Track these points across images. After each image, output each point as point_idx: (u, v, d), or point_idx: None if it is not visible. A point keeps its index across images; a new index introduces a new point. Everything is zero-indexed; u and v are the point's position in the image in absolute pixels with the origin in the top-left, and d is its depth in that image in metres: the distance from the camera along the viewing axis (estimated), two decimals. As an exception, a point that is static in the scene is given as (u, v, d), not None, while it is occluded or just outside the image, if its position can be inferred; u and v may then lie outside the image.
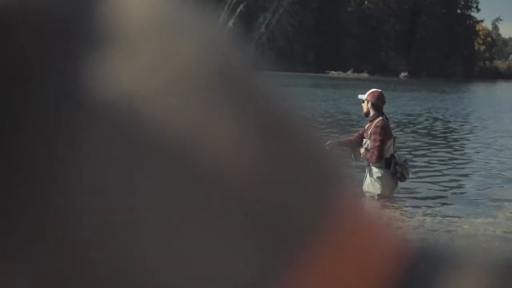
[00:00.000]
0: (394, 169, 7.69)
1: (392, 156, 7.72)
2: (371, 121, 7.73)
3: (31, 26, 0.22)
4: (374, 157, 7.61)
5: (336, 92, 35.09)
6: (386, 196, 7.72)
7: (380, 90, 8.04)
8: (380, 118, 7.72)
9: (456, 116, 23.74)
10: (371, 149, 7.62)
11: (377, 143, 7.60)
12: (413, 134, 16.48)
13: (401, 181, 7.85)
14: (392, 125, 8.32)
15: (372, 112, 7.75)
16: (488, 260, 0.25)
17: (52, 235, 0.21)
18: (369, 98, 7.79)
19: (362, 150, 7.70)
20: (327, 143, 8.21)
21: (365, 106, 7.83)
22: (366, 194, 7.86)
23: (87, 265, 0.21)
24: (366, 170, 7.89)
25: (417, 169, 10.13)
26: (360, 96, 7.93)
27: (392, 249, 0.25)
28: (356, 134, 7.98)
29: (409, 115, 22.98)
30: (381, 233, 0.26)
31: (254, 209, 0.22)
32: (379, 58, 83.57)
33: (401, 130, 16.59)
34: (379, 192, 7.72)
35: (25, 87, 0.21)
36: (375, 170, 7.80)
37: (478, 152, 13.56)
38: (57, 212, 0.21)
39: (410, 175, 8.20)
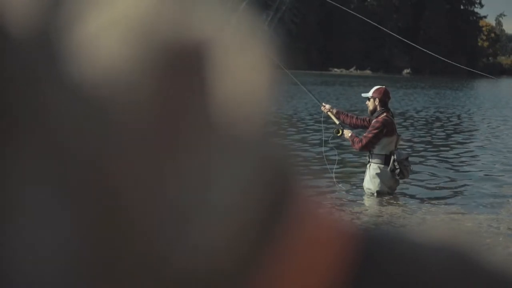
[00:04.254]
0: (392, 165, 7.69)
1: (392, 153, 7.71)
2: (377, 117, 7.74)
3: None
4: (358, 145, 7.66)
5: (345, 89, 35.05)
6: (385, 193, 7.70)
7: (384, 86, 8.05)
8: (385, 114, 7.74)
9: (462, 113, 23.63)
10: (362, 137, 7.66)
11: (370, 134, 7.64)
12: (418, 131, 16.42)
13: (401, 178, 7.83)
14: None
15: (379, 109, 7.77)
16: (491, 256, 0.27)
17: None
18: (375, 95, 7.83)
19: (349, 133, 7.71)
20: (324, 104, 8.29)
21: (372, 104, 7.85)
22: (366, 190, 7.86)
23: None
24: (367, 167, 7.89)
25: (419, 166, 10.08)
26: (365, 95, 7.94)
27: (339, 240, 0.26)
28: (361, 117, 8.01)
29: (413, 111, 22.92)
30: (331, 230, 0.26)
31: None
32: (382, 55, 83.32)
33: (405, 127, 16.55)
34: (378, 189, 7.71)
35: None
36: (374, 166, 7.79)
37: (483, 148, 13.47)
38: None
39: (411, 173, 8.17)
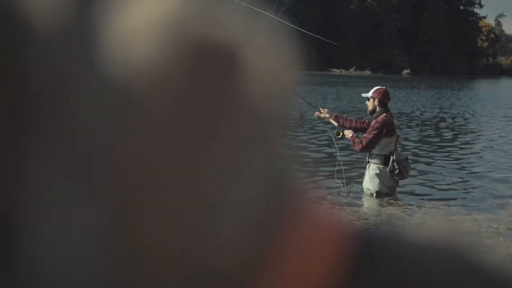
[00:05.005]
0: (392, 166, 7.70)
1: (391, 153, 7.72)
2: (376, 117, 7.76)
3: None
4: (359, 146, 7.68)
5: (346, 90, 35.06)
6: (384, 193, 7.71)
7: (384, 87, 8.07)
8: (384, 114, 7.75)
9: (466, 114, 23.62)
10: (362, 137, 7.68)
11: (370, 135, 7.66)
12: (424, 132, 16.42)
13: (400, 179, 7.84)
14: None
15: (378, 109, 7.79)
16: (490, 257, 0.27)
17: None
18: (375, 95, 7.85)
19: (349, 134, 7.72)
20: (322, 110, 8.34)
21: (371, 104, 7.87)
22: (366, 191, 7.86)
23: None
24: (366, 167, 7.90)
25: (420, 167, 10.08)
26: (365, 95, 7.97)
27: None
28: (360, 119, 8.03)
29: (417, 111, 22.94)
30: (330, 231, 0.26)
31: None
32: (381, 55, 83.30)
33: (410, 127, 16.57)
34: (377, 189, 7.72)
35: None
36: (373, 167, 7.80)
37: (490, 149, 13.45)
38: None
39: (412, 173, 8.18)
